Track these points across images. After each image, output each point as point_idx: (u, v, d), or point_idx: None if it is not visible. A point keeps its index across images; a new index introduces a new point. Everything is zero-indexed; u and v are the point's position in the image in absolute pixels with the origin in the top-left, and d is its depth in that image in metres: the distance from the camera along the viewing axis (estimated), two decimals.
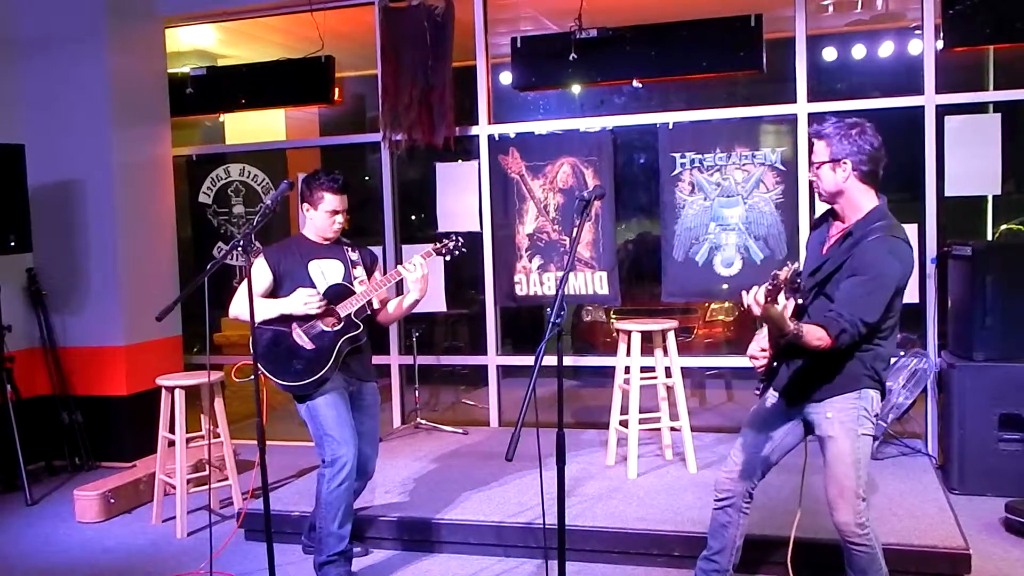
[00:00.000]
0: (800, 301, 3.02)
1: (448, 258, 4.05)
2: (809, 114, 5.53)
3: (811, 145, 3.13)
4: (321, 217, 3.89)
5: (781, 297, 2.75)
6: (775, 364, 3.13)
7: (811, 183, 3.17)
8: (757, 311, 2.73)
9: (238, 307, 3.78)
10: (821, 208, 5.58)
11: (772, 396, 3.23)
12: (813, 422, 3.11)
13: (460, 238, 4.05)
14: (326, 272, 3.90)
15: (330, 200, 3.85)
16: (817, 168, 3.08)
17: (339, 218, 3.90)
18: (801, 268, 2.65)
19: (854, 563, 3.09)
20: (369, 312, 3.96)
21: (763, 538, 3.85)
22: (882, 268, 2.87)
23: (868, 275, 2.87)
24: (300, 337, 3.80)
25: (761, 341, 3.14)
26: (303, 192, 3.90)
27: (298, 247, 3.95)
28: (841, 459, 3.01)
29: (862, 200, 3.04)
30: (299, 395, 3.84)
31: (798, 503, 3.35)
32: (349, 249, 4.00)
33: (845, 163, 3.01)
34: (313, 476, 4.64)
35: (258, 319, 3.63)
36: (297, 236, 4.05)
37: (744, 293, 2.76)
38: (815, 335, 2.83)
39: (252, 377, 3.40)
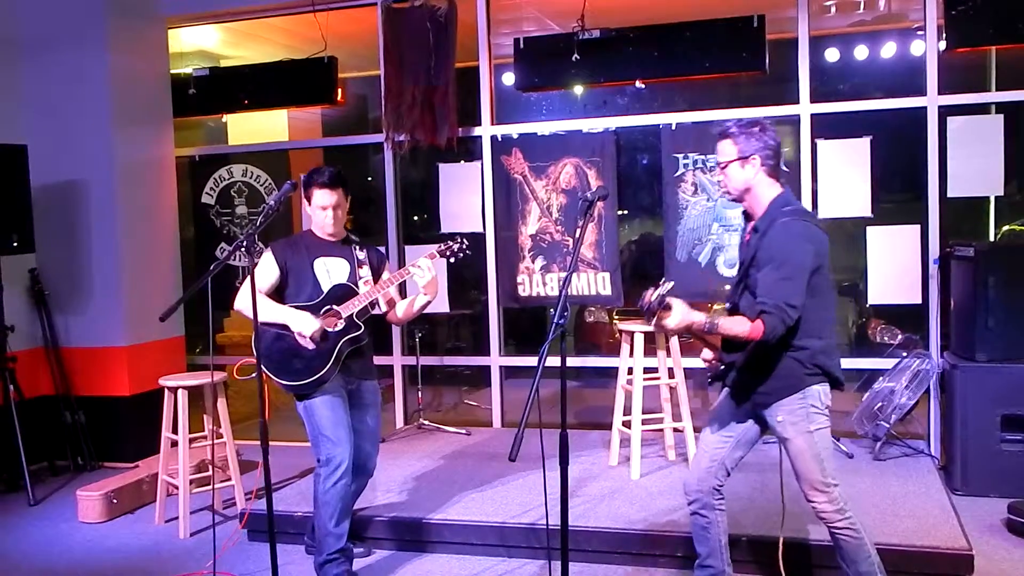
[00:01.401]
0: (728, 305, 3.24)
1: (452, 260, 4.04)
2: (812, 115, 5.54)
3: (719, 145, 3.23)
4: (315, 212, 3.90)
5: (676, 302, 2.92)
6: (722, 366, 3.25)
7: (720, 183, 3.27)
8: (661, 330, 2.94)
9: (243, 301, 3.77)
10: (823, 208, 5.63)
11: (725, 394, 3.33)
12: (767, 424, 3.21)
13: (465, 240, 4.04)
14: (331, 270, 3.90)
15: (319, 195, 3.84)
16: (724, 167, 3.17)
17: (330, 213, 3.86)
18: (668, 289, 2.80)
19: (843, 551, 3.16)
20: (372, 313, 3.96)
21: (760, 538, 3.85)
22: (791, 250, 2.98)
23: (778, 260, 2.97)
24: (302, 337, 3.80)
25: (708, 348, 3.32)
26: (303, 190, 3.91)
27: (305, 243, 3.95)
28: (801, 456, 3.12)
29: (767, 193, 3.15)
30: (298, 394, 3.84)
31: (781, 502, 3.42)
32: (357, 248, 3.99)
33: (754, 159, 3.12)
34: None
35: (262, 317, 3.64)
36: (305, 232, 4.05)
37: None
38: (734, 323, 2.96)
39: (253, 375, 3.41)
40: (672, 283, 2.83)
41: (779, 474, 3.34)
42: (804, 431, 3.08)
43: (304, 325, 3.75)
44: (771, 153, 3.12)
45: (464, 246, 4.02)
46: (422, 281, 3.89)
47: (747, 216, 3.26)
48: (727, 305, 3.27)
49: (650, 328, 4.93)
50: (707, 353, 3.32)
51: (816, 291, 3.01)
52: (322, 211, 3.87)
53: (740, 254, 3.31)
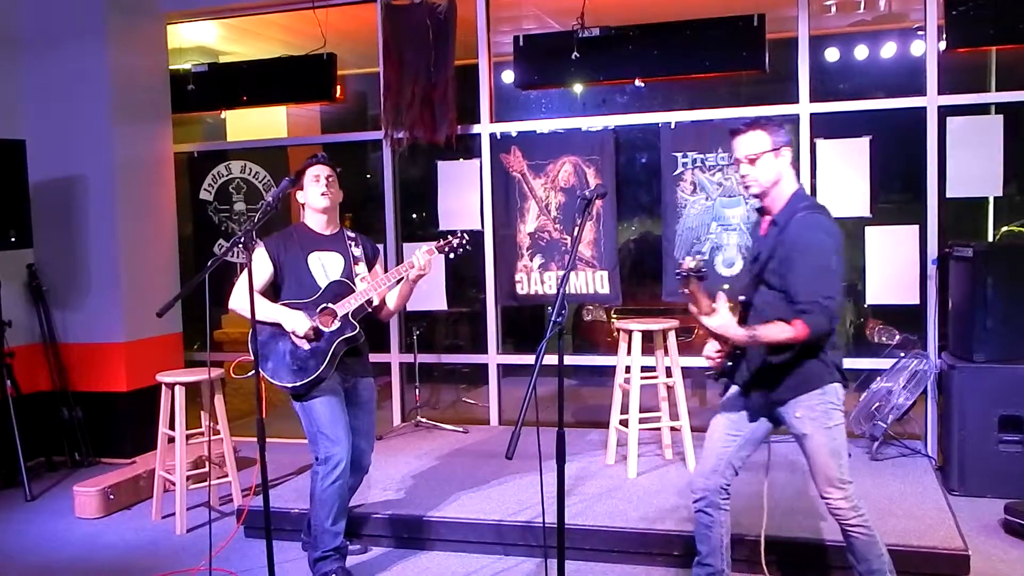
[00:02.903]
0: (742, 298, 3.22)
1: (452, 256, 4.02)
2: (811, 114, 5.54)
3: (737, 140, 3.17)
4: (309, 187, 3.87)
5: (723, 305, 2.87)
6: (729, 363, 3.23)
7: (743, 179, 3.17)
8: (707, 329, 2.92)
9: (238, 301, 3.77)
10: None
11: (735, 392, 3.30)
12: (784, 421, 3.20)
13: (465, 235, 4.01)
14: (326, 265, 3.88)
15: (313, 169, 3.88)
16: (756, 159, 3.10)
17: (323, 182, 3.84)
18: (705, 257, 2.79)
19: (855, 549, 3.16)
20: (369, 310, 3.94)
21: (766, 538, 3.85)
22: (818, 243, 2.99)
23: (806, 253, 2.97)
24: (295, 336, 3.78)
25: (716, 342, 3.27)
26: (297, 182, 3.90)
27: (299, 237, 3.92)
28: (819, 452, 3.12)
29: (789, 186, 3.15)
30: (295, 393, 3.83)
31: (763, 503, 3.45)
32: (352, 244, 3.97)
33: (785, 150, 3.12)
34: None
35: (256, 316, 3.62)
36: (299, 225, 4.01)
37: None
38: (776, 331, 2.93)
39: (250, 374, 3.40)
40: (706, 256, 2.81)
41: (764, 473, 3.37)
42: (823, 427, 3.09)
43: (296, 324, 3.74)
44: (792, 146, 3.15)
45: (464, 241, 3.99)
46: (415, 275, 3.87)
47: (760, 211, 3.24)
48: (741, 299, 3.25)
49: (649, 327, 4.96)
50: (712, 348, 3.26)
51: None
52: (315, 181, 3.86)
53: (755, 248, 3.29)
